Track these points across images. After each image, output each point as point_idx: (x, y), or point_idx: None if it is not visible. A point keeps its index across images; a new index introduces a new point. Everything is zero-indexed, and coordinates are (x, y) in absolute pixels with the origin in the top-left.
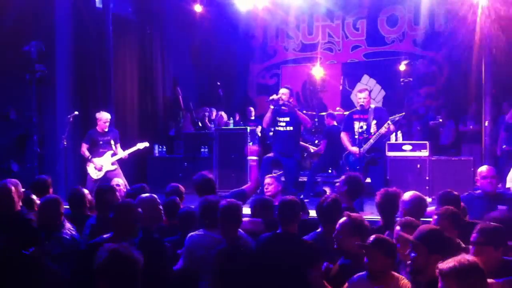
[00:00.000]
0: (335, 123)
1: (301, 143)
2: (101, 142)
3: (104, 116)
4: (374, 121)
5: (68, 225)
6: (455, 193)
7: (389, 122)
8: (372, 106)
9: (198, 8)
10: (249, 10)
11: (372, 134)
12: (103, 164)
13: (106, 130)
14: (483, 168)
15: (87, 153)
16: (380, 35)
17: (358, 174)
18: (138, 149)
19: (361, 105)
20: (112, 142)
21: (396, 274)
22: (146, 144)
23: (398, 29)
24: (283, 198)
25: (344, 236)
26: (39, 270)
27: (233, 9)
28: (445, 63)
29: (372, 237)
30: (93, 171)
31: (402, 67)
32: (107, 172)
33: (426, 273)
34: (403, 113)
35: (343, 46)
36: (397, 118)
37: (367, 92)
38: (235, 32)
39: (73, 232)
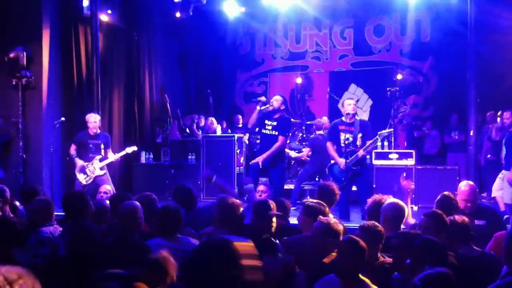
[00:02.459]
0: (322, 132)
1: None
2: (90, 145)
3: (91, 118)
4: (360, 134)
5: (54, 227)
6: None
7: (378, 137)
8: (357, 118)
9: (180, 14)
10: (236, 18)
11: (358, 147)
12: (87, 168)
13: (98, 132)
14: (463, 188)
15: (72, 152)
16: (367, 44)
17: (330, 182)
18: (127, 153)
19: (347, 113)
20: (102, 146)
21: (364, 278)
22: (135, 148)
23: (385, 39)
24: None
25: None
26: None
27: (220, 17)
28: (431, 73)
29: (345, 236)
30: (82, 176)
31: (399, 76)
32: (96, 177)
33: None
34: (392, 130)
35: (331, 55)
36: (385, 134)
37: (354, 101)
38: (223, 40)
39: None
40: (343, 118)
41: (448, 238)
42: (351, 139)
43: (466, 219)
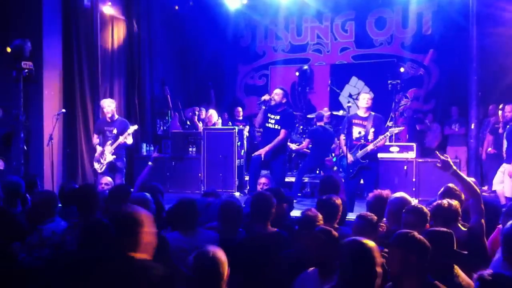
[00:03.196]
0: (322, 124)
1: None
2: (107, 133)
3: (105, 103)
4: (372, 129)
5: (56, 222)
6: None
7: (388, 134)
8: (372, 113)
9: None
10: (237, 10)
11: (370, 141)
12: (101, 156)
13: (114, 118)
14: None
15: (94, 141)
16: (368, 37)
17: (333, 173)
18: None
19: (364, 108)
20: (115, 131)
21: None
22: (135, 126)
23: (386, 32)
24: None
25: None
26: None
27: (221, 9)
28: (432, 66)
29: (318, 227)
30: (97, 165)
31: (402, 69)
32: (108, 163)
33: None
34: (403, 127)
35: (332, 48)
36: (396, 131)
37: (370, 96)
38: (224, 32)
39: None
40: (358, 112)
41: (434, 222)
42: (363, 133)
43: (455, 202)
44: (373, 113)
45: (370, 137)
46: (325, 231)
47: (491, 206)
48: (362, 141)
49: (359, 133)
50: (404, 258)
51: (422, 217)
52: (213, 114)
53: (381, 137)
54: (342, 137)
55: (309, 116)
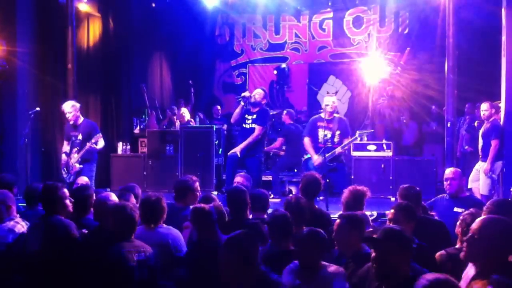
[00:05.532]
0: (292, 122)
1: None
2: (73, 138)
3: (65, 108)
4: (338, 132)
5: (16, 220)
6: (417, 189)
7: (357, 136)
8: (337, 115)
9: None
10: (215, 7)
11: (336, 143)
12: (67, 164)
13: (79, 123)
14: (446, 171)
15: (63, 149)
16: (346, 36)
17: (313, 173)
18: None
19: (328, 112)
20: (80, 137)
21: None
22: (102, 142)
23: (363, 31)
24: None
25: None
26: None
27: (199, 6)
28: (409, 64)
29: (305, 229)
30: (64, 174)
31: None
32: (75, 172)
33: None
34: (372, 130)
35: (310, 47)
36: (366, 134)
37: (335, 98)
38: (202, 29)
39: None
40: (322, 115)
41: None
42: (329, 135)
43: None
44: (337, 116)
45: (336, 139)
46: (313, 232)
47: (474, 203)
48: (329, 143)
49: (325, 135)
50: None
51: None
52: (185, 113)
53: (347, 140)
54: (306, 139)
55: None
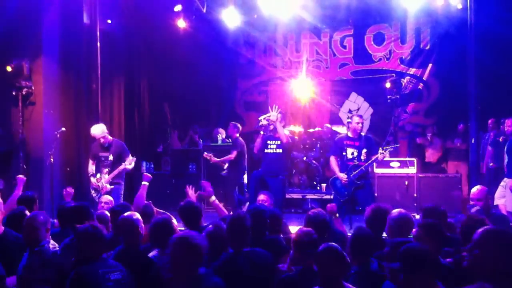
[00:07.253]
0: (237, 135)
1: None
2: (102, 159)
3: (94, 132)
4: (365, 150)
5: (51, 241)
6: (442, 208)
7: (382, 151)
8: (362, 133)
9: (181, 23)
10: (236, 27)
11: (362, 161)
12: (99, 184)
13: (109, 142)
14: (472, 190)
15: (89, 169)
16: (367, 53)
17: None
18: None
19: (354, 130)
20: (111, 157)
21: (348, 285)
22: (133, 159)
23: (384, 47)
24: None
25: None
26: None
27: (221, 25)
28: (431, 80)
29: (324, 244)
30: (94, 194)
31: (388, 84)
32: (105, 192)
33: None
34: (398, 145)
35: (331, 64)
36: (390, 149)
37: (362, 119)
38: (223, 48)
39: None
40: (349, 133)
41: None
42: (356, 153)
43: None
44: (363, 134)
45: (363, 157)
46: (332, 249)
47: (502, 221)
48: (356, 161)
49: (352, 153)
50: None
51: None
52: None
53: (374, 157)
54: (333, 158)
55: (309, 130)
